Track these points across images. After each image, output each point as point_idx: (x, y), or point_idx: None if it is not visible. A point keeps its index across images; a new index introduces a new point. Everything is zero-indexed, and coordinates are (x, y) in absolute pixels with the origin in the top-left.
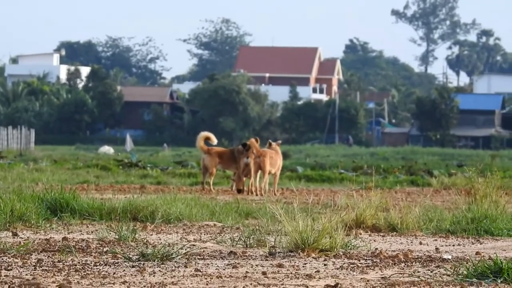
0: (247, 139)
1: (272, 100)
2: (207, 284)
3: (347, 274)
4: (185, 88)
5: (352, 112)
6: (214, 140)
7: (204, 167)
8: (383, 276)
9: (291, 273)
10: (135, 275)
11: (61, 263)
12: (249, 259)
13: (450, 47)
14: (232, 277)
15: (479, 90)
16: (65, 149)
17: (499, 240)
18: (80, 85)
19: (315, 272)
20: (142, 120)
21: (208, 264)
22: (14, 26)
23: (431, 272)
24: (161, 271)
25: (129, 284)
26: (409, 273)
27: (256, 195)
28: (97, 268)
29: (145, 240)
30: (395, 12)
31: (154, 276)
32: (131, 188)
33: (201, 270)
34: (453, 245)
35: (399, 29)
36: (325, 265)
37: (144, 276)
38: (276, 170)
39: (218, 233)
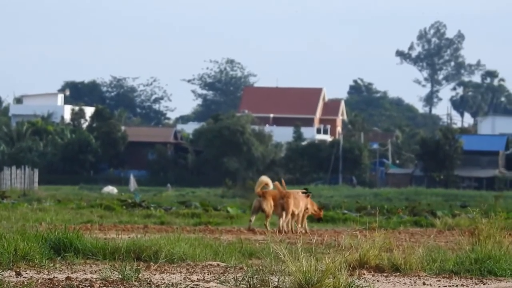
0: (251, 179)
1: (276, 140)
2: None
3: None
4: (189, 128)
5: (356, 153)
6: (271, 185)
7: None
8: None
9: None
10: None
11: None
12: None
13: (454, 88)
14: None
15: (483, 131)
16: (68, 189)
17: (503, 281)
18: (84, 125)
19: None
20: (146, 160)
21: None
22: (19, 66)
23: None
24: None
25: None
26: None
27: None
28: None
29: (148, 280)
30: (399, 53)
31: None
32: (134, 228)
33: None
34: (457, 286)
35: (403, 70)
36: None
37: None
38: (299, 211)
39: (221, 273)
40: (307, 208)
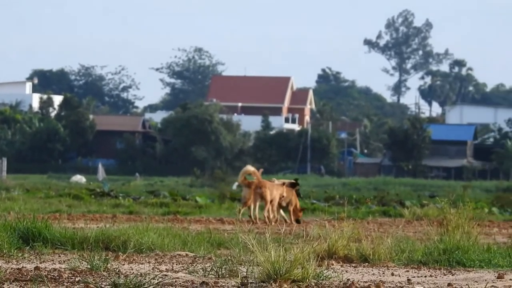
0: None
1: (244, 129)
2: None
3: None
4: (158, 117)
5: (324, 142)
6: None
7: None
8: None
9: None
10: None
11: None
12: None
13: (422, 77)
14: None
15: (452, 120)
16: (37, 178)
17: (471, 272)
18: (53, 113)
19: None
20: (115, 149)
21: None
22: None
23: None
24: None
25: None
26: None
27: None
28: None
29: (117, 270)
30: (367, 42)
31: None
32: (103, 217)
33: None
34: (425, 276)
35: (371, 59)
36: None
37: None
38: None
39: (190, 263)
40: (282, 197)
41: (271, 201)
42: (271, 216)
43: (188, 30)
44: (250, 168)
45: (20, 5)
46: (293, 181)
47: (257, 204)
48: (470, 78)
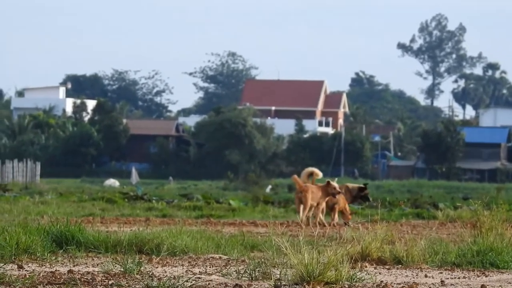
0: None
1: (278, 133)
2: None
3: None
4: (191, 121)
5: (358, 145)
6: (319, 175)
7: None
8: None
9: None
10: None
11: None
12: None
13: (456, 81)
14: None
15: (485, 123)
16: (70, 182)
17: (505, 273)
18: (86, 118)
19: None
20: (148, 153)
21: None
22: (20, 59)
23: None
24: None
25: None
26: None
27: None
28: None
29: (150, 273)
30: (401, 46)
31: None
32: (136, 220)
33: None
34: (459, 278)
35: (405, 62)
36: None
37: None
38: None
39: (223, 265)
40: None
41: (317, 205)
42: (317, 219)
43: (221, 35)
44: (311, 169)
45: (54, 10)
46: (361, 185)
47: (302, 208)
48: (504, 81)
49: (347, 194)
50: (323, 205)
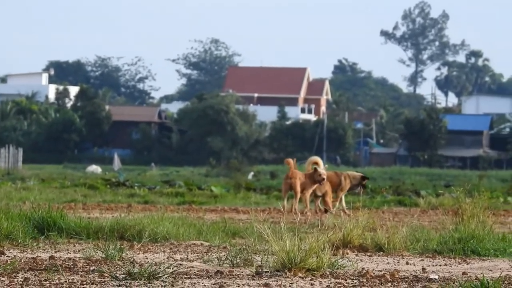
0: (235, 158)
1: (260, 120)
2: None
3: None
4: (174, 107)
5: (340, 132)
6: (321, 165)
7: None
8: None
9: None
10: None
11: (47, 282)
12: (236, 279)
13: (439, 68)
14: None
15: (468, 111)
16: (53, 168)
17: (486, 261)
18: (69, 104)
19: None
20: (130, 140)
21: (194, 283)
22: (3, 45)
23: None
24: None
25: None
26: None
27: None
28: (83, 287)
29: (132, 259)
30: (384, 33)
31: None
32: (118, 207)
33: None
34: (440, 265)
35: (388, 50)
36: (311, 284)
37: None
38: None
39: (205, 252)
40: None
41: (302, 192)
42: (306, 206)
43: (204, 22)
44: (315, 158)
45: None
46: (362, 174)
47: (285, 194)
48: (487, 68)
49: (348, 181)
50: (310, 192)
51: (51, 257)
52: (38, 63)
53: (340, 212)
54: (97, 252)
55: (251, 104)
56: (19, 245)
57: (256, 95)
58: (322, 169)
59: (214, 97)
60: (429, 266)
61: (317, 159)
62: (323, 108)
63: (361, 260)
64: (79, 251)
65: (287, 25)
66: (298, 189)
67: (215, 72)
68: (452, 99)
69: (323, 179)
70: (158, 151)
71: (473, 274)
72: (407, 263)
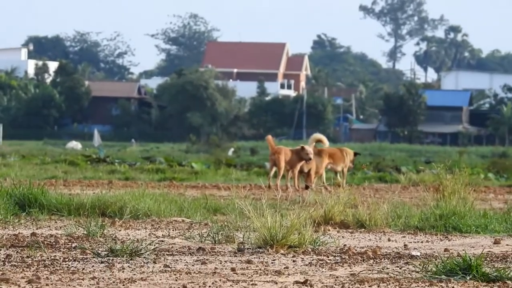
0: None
1: (239, 95)
2: (176, 280)
3: (316, 271)
4: (153, 83)
5: (319, 108)
6: (326, 143)
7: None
8: (352, 272)
9: (260, 269)
10: (104, 271)
11: (30, 259)
12: (218, 255)
13: (418, 43)
14: (201, 273)
15: (447, 86)
16: (33, 144)
17: (468, 237)
18: (48, 80)
19: (284, 268)
20: (110, 115)
21: (177, 260)
22: None
23: (399, 268)
24: (130, 267)
25: (98, 279)
26: (378, 269)
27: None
28: (66, 264)
29: (113, 236)
30: (363, 8)
31: (123, 271)
32: (99, 183)
33: (170, 266)
34: (422, 242)
35: (367, 25)
36: (293, 261)
37: (113, 272)
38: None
39: (186, 229)
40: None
41: (291, 169)
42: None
43: None
44: (319, 136)
45: None
46: (356, 152)
47: (274, 170)
48: (466, 44)
49: (349, 158)
50: (298, 168)
51: (33, 234)
52: (17, 38)
53: (321, 189)
54: (78, 229)
55: (231, 80)
56: (0, 221)
57: (235, 70)
58: (309, 148)
59: (193, 72)
60: (411, 242)
61: (321, 136)
62: (302, 84)
63: (342, 237)
64: (60, 227)
65: (266, 0)
66: (282, 165)
67: (194, 48)
68: (431, 75)
69: (310, 158)
70: (138, 127)
71: (455, 251)
72: (389, 240)
